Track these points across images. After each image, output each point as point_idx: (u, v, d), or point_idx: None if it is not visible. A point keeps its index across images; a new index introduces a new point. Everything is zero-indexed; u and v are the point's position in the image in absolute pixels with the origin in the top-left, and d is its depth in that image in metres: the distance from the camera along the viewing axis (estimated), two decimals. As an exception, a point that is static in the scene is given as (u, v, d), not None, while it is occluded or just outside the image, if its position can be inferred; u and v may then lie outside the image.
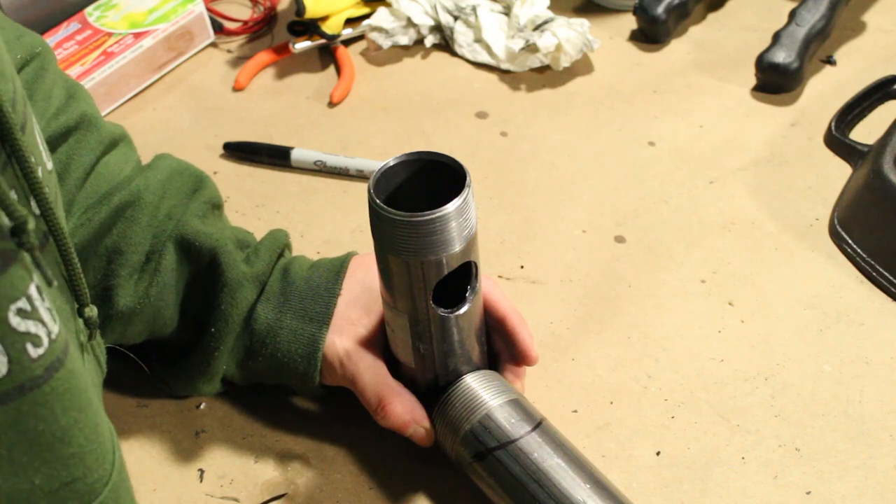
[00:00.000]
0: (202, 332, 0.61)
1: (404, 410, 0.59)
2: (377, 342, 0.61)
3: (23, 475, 0.36)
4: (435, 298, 0.54)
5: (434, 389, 0.59)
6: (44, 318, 0.36)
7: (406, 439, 0.60)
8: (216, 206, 0.65)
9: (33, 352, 0.35)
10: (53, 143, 0.59)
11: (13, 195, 0.38)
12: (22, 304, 0.35)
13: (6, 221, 0.35)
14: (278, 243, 0.64)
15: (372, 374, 0.60)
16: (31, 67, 0.60)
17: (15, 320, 0.34)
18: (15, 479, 0.36)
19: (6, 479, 0.36)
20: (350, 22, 0.95)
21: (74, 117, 0.60)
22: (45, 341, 0.36)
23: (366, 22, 0.95)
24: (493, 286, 0.62)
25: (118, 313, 0.59)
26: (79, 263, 0.43)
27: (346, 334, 0.60)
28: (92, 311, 0.45)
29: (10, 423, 0.35)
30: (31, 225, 0.35)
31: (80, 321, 0.45)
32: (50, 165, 0.45)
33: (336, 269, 0.63)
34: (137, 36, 0.91)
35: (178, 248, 0.61)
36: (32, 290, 0.35)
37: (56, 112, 0.60)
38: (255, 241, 0.64)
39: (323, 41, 0.94)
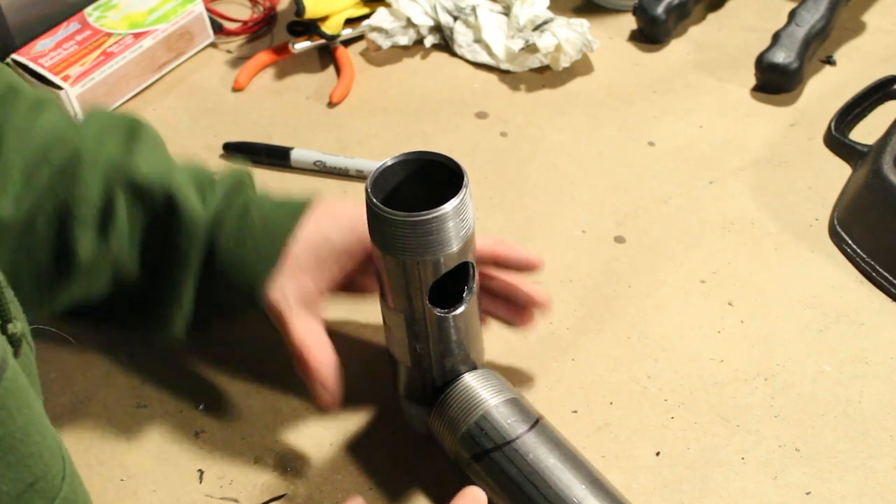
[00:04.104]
0: (163, 276, 0.60)
1: (321, 365, 0.59)
2: (320, 297, 0.61)
3: None
4: (432, 298, 0.54)
5: (431, 389, 0.59)
6: None
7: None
8: (158, 144, 0.63)
9: None
10: None
11: None
12: None
13: None
14: (236, 179, 0.62)
15: (304, 321, 0.59)
16: None
17: None
18: None
19: None
20: (350, 22, 0.95)
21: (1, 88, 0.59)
22: None
23: (365, 22, 0.95)
24: None
25: (79, 268, 0.58)
26: (1, 280, 0.43)
27: (290, 277, 0.60)
28: (15, 327, 0.44)
29: None
30: None
31: (4, 338, 0.45)
32: None
33: (296, 213, 0.61)
34: (137, 36, 0.91)
35: (129, 194, 0.59)
36: None
37: None
38: (212, 177, 0.63)
39: (323, 41, 0.94)
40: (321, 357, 0.59)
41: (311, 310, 0.60)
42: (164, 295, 0.61)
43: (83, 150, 0.59)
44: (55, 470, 0.39)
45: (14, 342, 0.45)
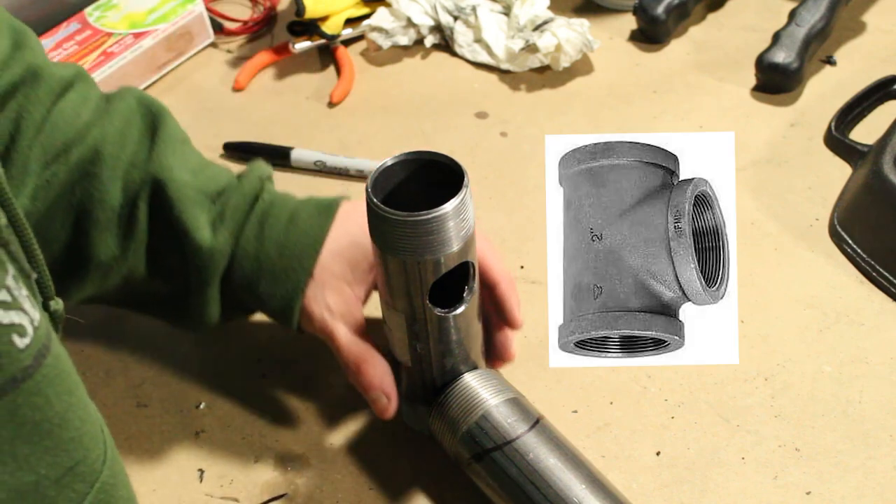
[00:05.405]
0: (177, 284, 0.60)
1: (376, 374, 0.58)
2: (359, 301, 0.60)
3: (27, 468, 0.36)
4: (432, 298, 0.54)
5: (432, 389, 0.59)
6: (25, 306, 0.36)
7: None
8: (180, 140, 0.62)
9: (20, 342, 0.35)
10: (0, 102, 0.56)
11: None
12: (2, 296, 0.34)
13: None
14: (251, 188, 0.61)
15: (351, 334, 0.59)
16: None
17: None
18: (20, 473, 0.36)
19: (12, 475, 0.35)
20: (350, 22, 0.95)
21: (20, 71, 0.57)
22: (30, 330, 0.35)
23: (366, 22, 0.95)
24: (488, 249, 0.61)
25: (94, 268, 0.58)
26: (42, 256, 0.43)
27: (328, 288, 0.59)
28: (57, 304, 0.45)
29: (7, 416, 0.35)
30: (3, 220, 0.36)
31: (46, 315, 0.45)
32: None
33: (323, 215, 0.61)
34: (137, 36, 0.91)
35: (150, 197, 0.58)
36: (10, 281, 0.35)
37: (1, 66, 0.56)
38: (227, 187, 0.61)
39: (323, 41, 0.94)
40: (377, 369, 0.59)
41: (353, 317, 0.60)
42: (184, 302, 0.60)
43: (103, 148, 0.58)
44: (95, 454, 0.40)
45: (56, 318, 0.45)
